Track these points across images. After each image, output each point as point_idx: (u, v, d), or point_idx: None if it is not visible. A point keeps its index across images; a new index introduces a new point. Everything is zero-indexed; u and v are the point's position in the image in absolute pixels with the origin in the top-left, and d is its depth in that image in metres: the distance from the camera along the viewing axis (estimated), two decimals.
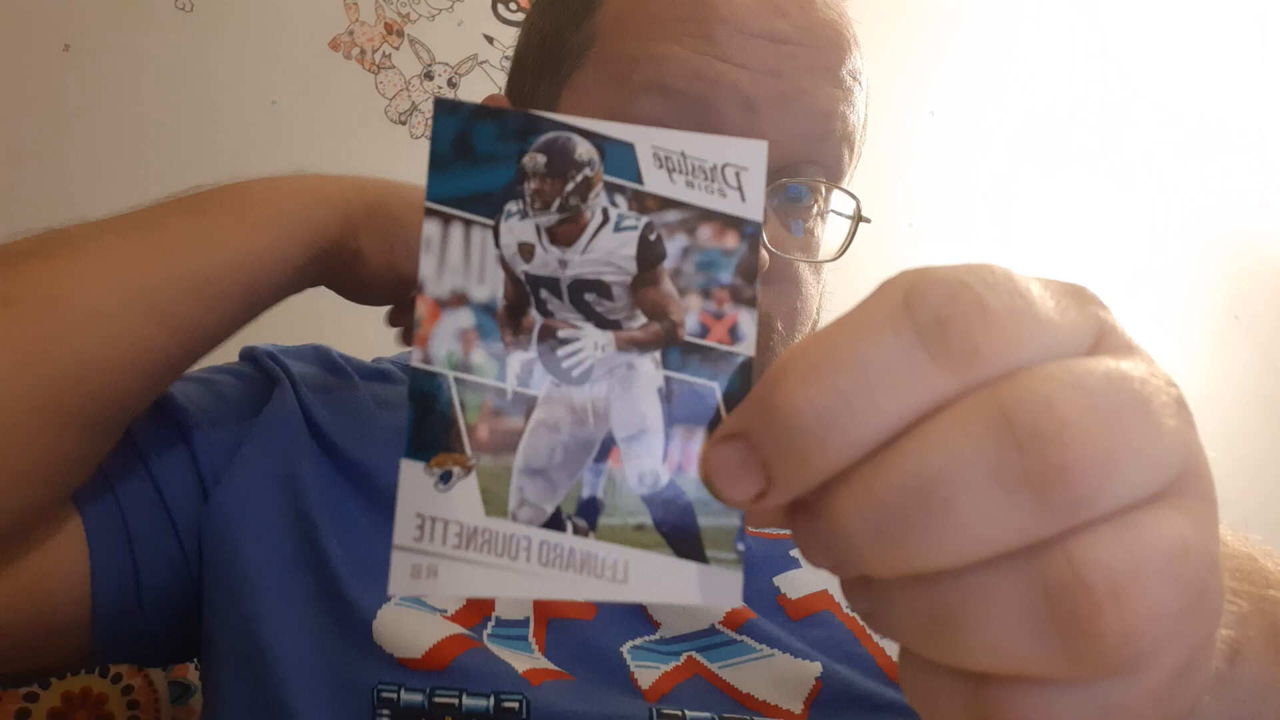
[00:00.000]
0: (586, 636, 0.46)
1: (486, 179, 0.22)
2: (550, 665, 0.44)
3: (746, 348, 0.22)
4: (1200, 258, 1.66)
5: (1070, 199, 1.62)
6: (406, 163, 1.29)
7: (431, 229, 0.22)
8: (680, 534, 0.22)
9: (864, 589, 0.20)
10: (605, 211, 0.22)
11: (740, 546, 0.22)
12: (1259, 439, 1.63)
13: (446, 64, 1.34)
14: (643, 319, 0.22)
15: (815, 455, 0.19)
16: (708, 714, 0.43)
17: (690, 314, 0.22)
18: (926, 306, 0.19)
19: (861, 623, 0.48)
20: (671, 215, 0.22)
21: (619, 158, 0.22)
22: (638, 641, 0.46)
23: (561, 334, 0.22)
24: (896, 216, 1.50)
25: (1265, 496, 1.57)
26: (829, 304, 0.56)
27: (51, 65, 1.19)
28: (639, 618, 0.47)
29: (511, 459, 0.21)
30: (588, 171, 0.22)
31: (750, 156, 0.22)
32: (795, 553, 0.49)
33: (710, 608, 0.47)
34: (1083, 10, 1.66)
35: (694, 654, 0.46)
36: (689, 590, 0.22)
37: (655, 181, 0.22)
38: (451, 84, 1.34)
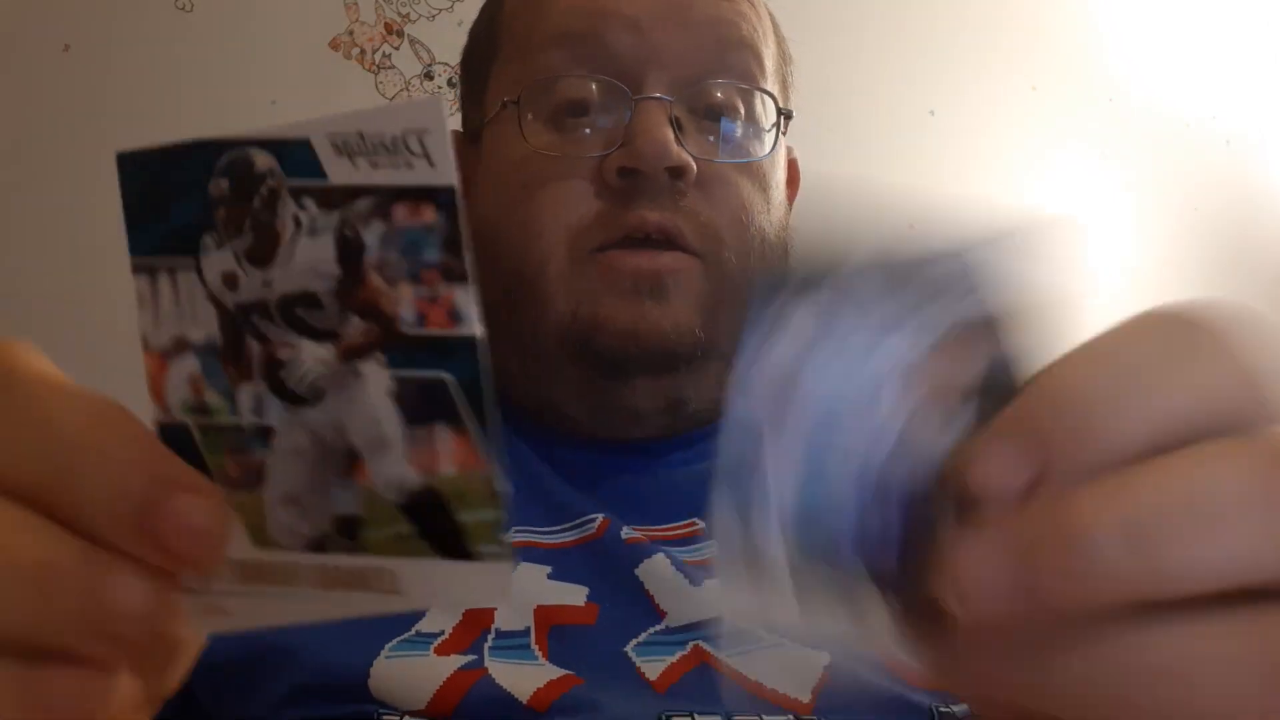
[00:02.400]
0: (590, 641, 0.45)
1: (181, 218, 0.21)
2: (557, 671, 0.44)
3: (468, 327, 0.20)
4: (1200, 258, 1.66)
5: (1070, 199, 1.62)
6: None
7: (140, 285, 0.21)
8: (442, 534, 0.21)
9: (1023, 648, 0.19)
10: (297, 219, 0.21)
11: (505, 538, 0.21)
12: None
13: (446, 64, 1.34)
14: (358, 322, 0.21)
15: (1096, 446, 0.18)
16: (717, 716, 0.43)
17: (404, 304, 0.20)
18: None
19: None
20: (363, 203, 0.20)
21: (297, 157, 0.21)
22: (642, 636, 0.46)
23: (281, 355, 0.21)
24: (897, 217, 1.50)
25: None
26: None
27: (51, 65, 1.19)
28: (644, 610, 0.47)
29: (263, 490, 0.21)
30: (270, 182, 0.21)
31: (425, 116, 0.20)
32: None
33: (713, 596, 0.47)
34: (1083, 10, 1.66)
35: (701, 643, 0.46)
36: (462, 589, 0.21)
37: (339, 171, 0.20)
38: (451, 84, 1.34)
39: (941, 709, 0.44)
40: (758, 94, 0.56)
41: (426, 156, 0.20)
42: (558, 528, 0.51)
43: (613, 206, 0.52)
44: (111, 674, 0.19)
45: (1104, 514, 0.17)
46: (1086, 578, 0.17)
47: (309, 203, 0.21)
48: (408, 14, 1.33)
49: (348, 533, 0.21)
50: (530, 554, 0.49)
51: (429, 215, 0.20)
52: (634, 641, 0.45)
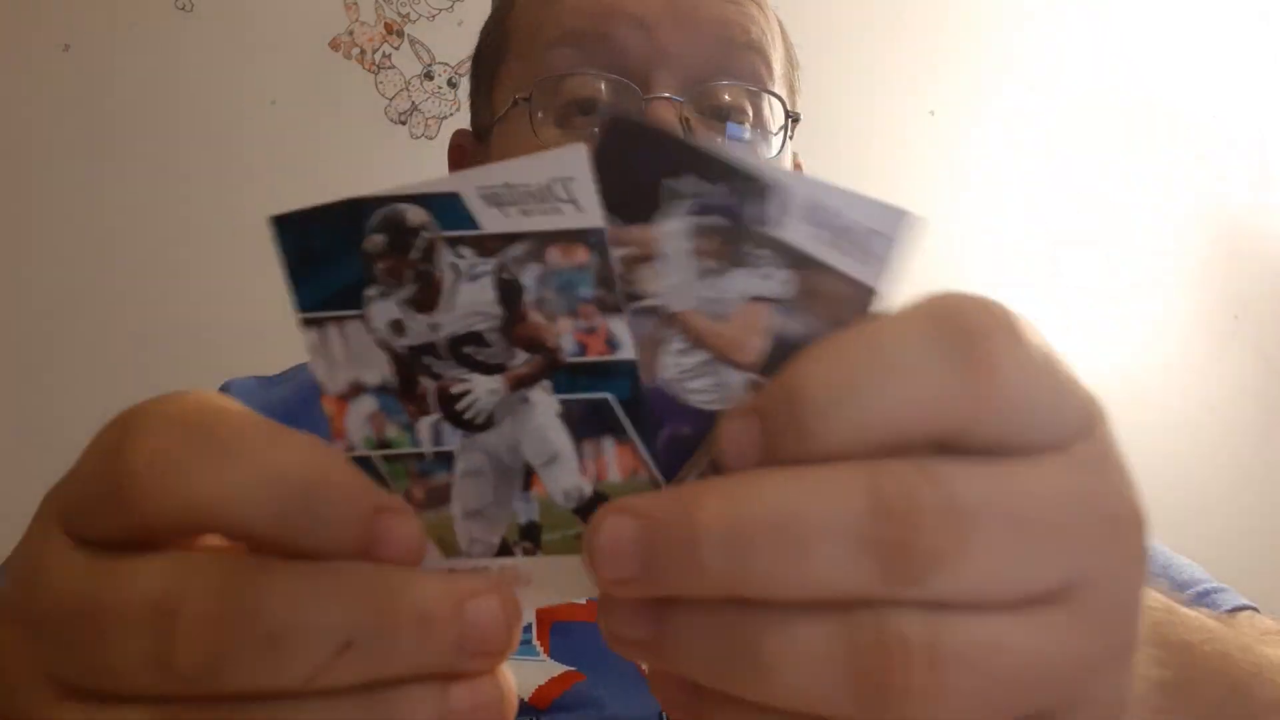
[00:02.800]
0: (591, 636, 0.45)
1: (341, 273, 0.23)
2: (558, 668, 0.44)
3: (626, 352, 0.22)
4: (1200, 258, 1.66)
5: (1070, 199, 1.62)
6: (405, 162, 1.29)
7: (311, 338, 0.23)
8: None
9: (652, 613, 0.21)
10: (455, 266, 0.22)
11: None
12: (1259, 439, 1.63)
13: (446, 64, 1.34)
14: (523, 355, 0.23)
15: (815, 429, 0.19)
16: None
17: (565, 336, 0.22)
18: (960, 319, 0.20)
19: None
20: (517, 248, 0.22)
21: (449, 209, 0.22)
22: None
23: (455, 390, 0.23)
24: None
25: (1265, 497, 1.57)
26: None
27: (51, 65, 1.19)
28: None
29: (449, 509, 0.23)
30: (425, 235, 0.22)
31: (570, 164, 0.21)
32: None
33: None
34: (1082, 10, 1.66)
35: None
36: None
37: (491, 221, 0.22)
38: (451, 84, 1.34)
39: None
40: (766, 96, 0.56)
41: (574, 202, 0.22)
42: None
43: None
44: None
45: (714, 514, 0.19)
46: (686, 569, 0.19)
47: (466, 251, 0.22)
48: (408, 14, 1.33)
49: (530, 538, 0.23)
50: None
51: (581, 255, 0.22)
52: None
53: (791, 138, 0.58)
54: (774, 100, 0.57)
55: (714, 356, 0.22)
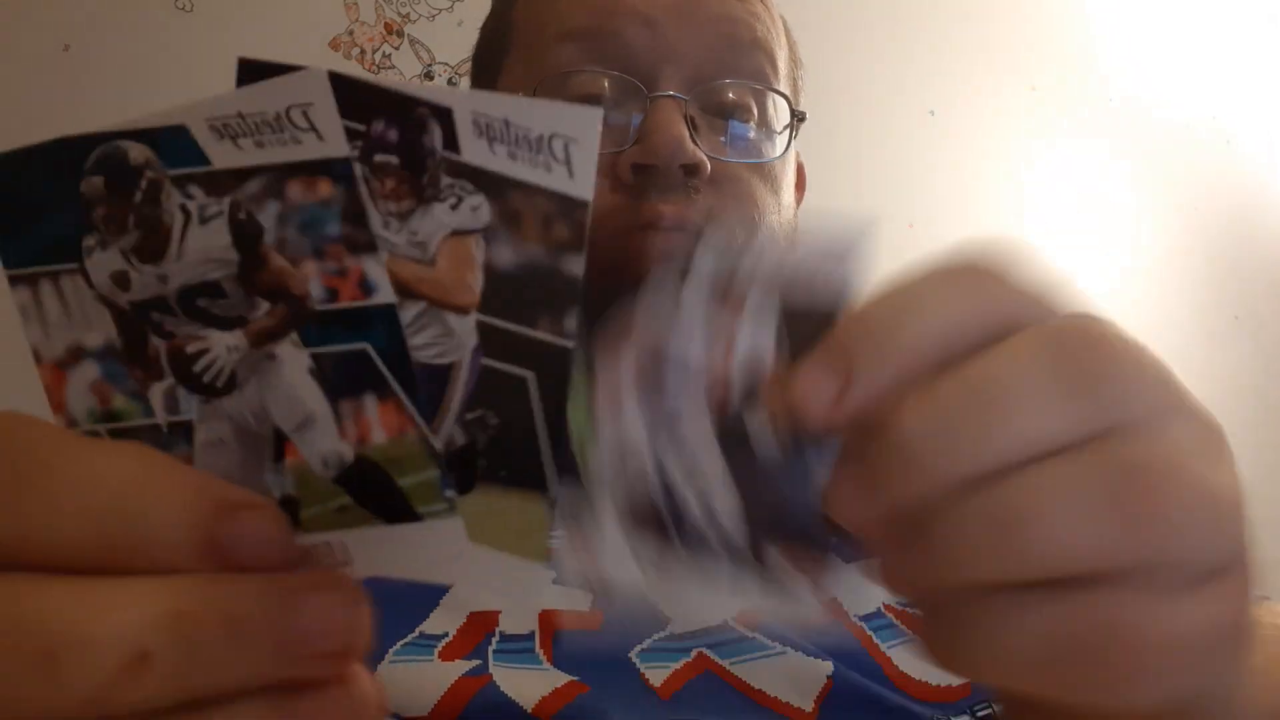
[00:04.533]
0: (594, 647, 0.45)
1: (57, 223, 0.20)
2: (562, 678, 0.44)
3: (383, 296, 0.20)
4: (1200, 258, 1.66)
5: (1070, 199, 1.62)
6: None
7: (22, 296, 0.20)
8: (384, 502, 0.21)
9: (905, 542, 0.21)
10: (184, 209, 0.20)
11: (449, 494, 0.21)
12: (1259, 439, 1.62)
13: (446, 64, 1.34)
14: (266, 305, 0.20)
15: (891, 352, 0.21)
16: (720, 718, 0.42)
17: (312, 282, 0.20)
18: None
19: (869, 631, 0.48)
20: (253, 185, 0.20)
21: (176, 145, 0.20)
22: (647, 643, 0.46)
23: (190, 349, 0.20)
24: (897, 216, 1.50)
25: (1265, 497, 1.56)
26: None
27: (51, 65, 1.19)
28: (649, 617, 0.47)
29: None
30: (149, 174, 0.20)
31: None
32: None
33: (720, 605, 0.46)
34: (1083, 10, 1.65)
35: (705, 650, 0.45)
36: (415, 553, 0.21)
37: (223, 156, 0.20)
38: (451, 83, 1.34)
39: None
40: (770, 95, 0.56)
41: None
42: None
43: (627, 200, 0.52)
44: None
45: (912, 409, 0.20)
46: (909, 467, 0.20)
47: (196, 190, 0.20)
48: (408, 14, 1.33)
49: (287, 513, 0.20)
50: None
51: (325, 189, 0.20)
52: (638, 648, 0.45)
53: (796, 137, 0.58)
54: (779, 99, 0.56)
55: (430, 304, 0.20)
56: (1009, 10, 1.62)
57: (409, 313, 0.20)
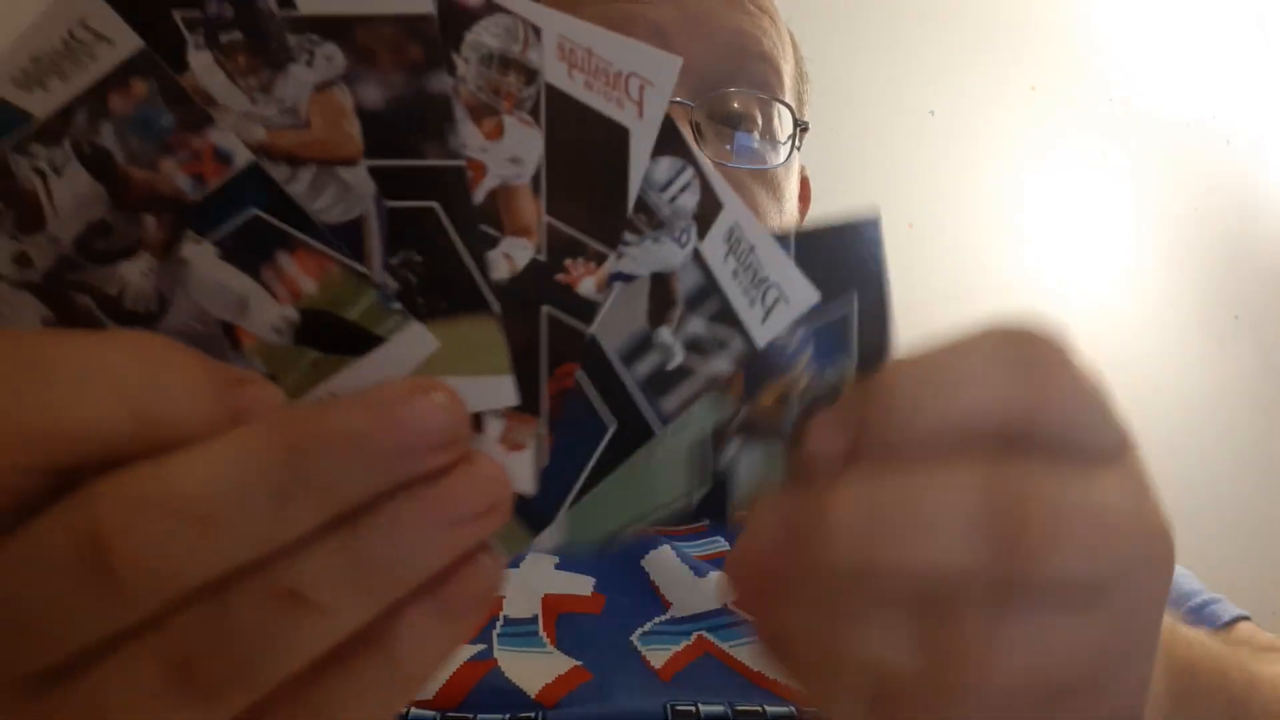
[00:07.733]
0: (597, 629, 0.46)
1: None
2: (566, 664, 0.44)
3: (243, 157, 0.20)
4: (1200, 258, 1.67)
5: (1070, 199, 1.62)
6: None
7: None
8: (346, 341, 0.21)
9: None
10: (38, 169, 0.20)
11: (394, 305, 0.21)
12: (1259, 439, 1.63)
13: None
14: (150, 219, 0.20)
15: (907, 422, 0.22)
16: (720, 708, 0.43)
17: (177, 177, 0.20)
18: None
19: None
20: (80, 117, 0.20)
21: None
22: (648, 626, 0.46)
23: (111, 290, 0.21)
24: (897, 216, 1.51)
25: (1265, 497, 1.57)
26: None
27: None
28: (650, 601, 0.47)
29: None
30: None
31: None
32: None
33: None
34: (1082, 10, 1.66)
35: (704, 633, 0.46)
36: (396, 370, 0.21)
37: (39, 104, 0.20)
38: None
39: None
40: (775, 105, 0.57)
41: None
42: None
43: None
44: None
45: (846, 502, 0.21)
46: (825, 552, 0.21)
47: (36, 149, 0.20)
48: None
49: None
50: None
51: (140, 88, 0.20)
52: (639, 631, 0.46)
53: (799, 147, 0.59)
54: (783, 109, 0.57)
55: (320, 165, 0.20)
56: (1009, 10, 1.62)
57: (303, 180, 0.20)
